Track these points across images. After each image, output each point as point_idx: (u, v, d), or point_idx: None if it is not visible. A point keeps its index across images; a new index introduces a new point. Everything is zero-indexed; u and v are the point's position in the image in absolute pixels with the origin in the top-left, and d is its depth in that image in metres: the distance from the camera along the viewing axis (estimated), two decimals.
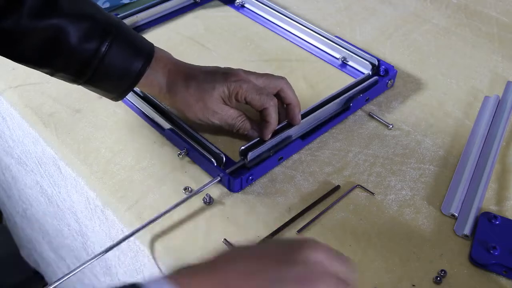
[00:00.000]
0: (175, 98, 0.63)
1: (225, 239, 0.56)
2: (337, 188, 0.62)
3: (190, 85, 0.62)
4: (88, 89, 0.62)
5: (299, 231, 0.57)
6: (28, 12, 0.54)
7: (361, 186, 0.62)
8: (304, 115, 0.67)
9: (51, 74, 0.60)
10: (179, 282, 0.38)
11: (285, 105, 0.65)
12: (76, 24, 0.56)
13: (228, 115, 0.63)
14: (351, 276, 0.42)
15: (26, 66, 0.60)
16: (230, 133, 0.68)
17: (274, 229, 0.57)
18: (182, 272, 0.40)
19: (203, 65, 0.80)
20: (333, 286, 0.40)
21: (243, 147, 0.62)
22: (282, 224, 0.58)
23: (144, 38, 0.63)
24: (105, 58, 0.58)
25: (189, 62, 0.80)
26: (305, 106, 0.72)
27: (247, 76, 0.63)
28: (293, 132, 0.66)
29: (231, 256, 0.43)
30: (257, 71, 0.78)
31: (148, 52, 0.61)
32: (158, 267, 0.55)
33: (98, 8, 0.60)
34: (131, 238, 0.59)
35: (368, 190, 0.61)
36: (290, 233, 0.57)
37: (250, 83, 0.62)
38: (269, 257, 0.41)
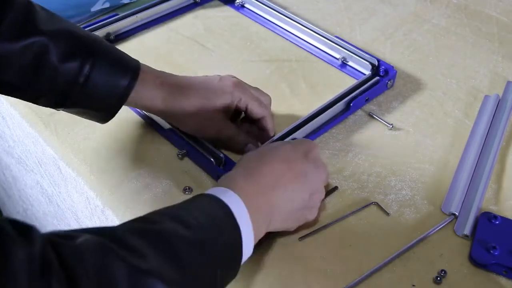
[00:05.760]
0: (172, 110, 0.61)
1: None
2: (335, 189, 0.62)
3: (189, 96, 0.61)
4: (75, 113, 0.59)
5: (302, 238, 0.57)
6: (6, 34, 0.53)
7: (377, 203, 0.60)
8: (308, 120, 0.67)
9: (35, 100, 0.58)
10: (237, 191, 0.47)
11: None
12: (57, 41, 0.54)
13: (229, 128, 0.63)
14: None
15: (9, 95, 0.57)
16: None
17: None
18: (224, 182, 0.50)
19: (203, 65, 0.80)
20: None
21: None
22: None
23: (128, 55, 0.60)
24: (90, 76, 0.56)
25: (189, 62, 0.80)
26: (305, 106, 0.73)
27: (243, 85, 0.64)
28: (297, 135, 0.65)
29: (262, 160, 0.52)
30: (257, 71, 0.79)
31: (134, 67, 0.59)
32: None
33: (78, 27, 0.59)
34: None
35: (384, 210, 0.60)
36: (291, 239, 0.57)
37: (248, 91, 0.63)
38: (292, 157, 0.53)
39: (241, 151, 0.64)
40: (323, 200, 0.57)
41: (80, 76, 0.55)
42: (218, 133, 0.63)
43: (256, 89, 0.66)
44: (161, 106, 0.61)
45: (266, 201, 0.50)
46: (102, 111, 0.59)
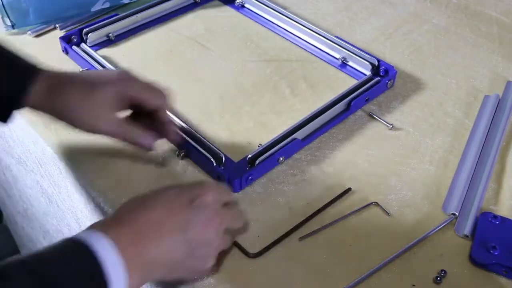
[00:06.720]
0: (54, 105, 0.56)
1: (235, 241, 0.56)
2: (348, 190, 0.62)
3: (71, 87, 0.56)
4: None
5: (302, 238, 0.57)
6: None
7: (377, 203, 0.60)
8: (308, 120, 0.67)
9: None
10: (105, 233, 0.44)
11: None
12: None
13: (114, 119, 0.57)
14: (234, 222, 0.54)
15: None
16: (229, 132, 0.68)
17: (275, 228, 0.57)
18: (98, 226, 0.46)
19: (203, 65, 0.80)
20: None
21: (250, 156, 0.62)
22: (283, 224, 0.58)
23: (27, 60, 0.57)
24: None
25: (189, 62, 0.80)
26: (305, 106, 0.73)
27: (131, 76, 0.59)
28: (297, 135, 0.66)
29: (142, 206, 0.47)
30: (257, 71, 0.79)
31: (31, 71, 0.56)
32: None
33: None
34: None
35: (384, 210, 0.60)
36: (291, 239, 0.57)
37: (137, 82, 0.59)
38: (175, 204, 0.48)
39: (139, 147, 0.60)
40: (227, 248, 0.53)
41: None
42: (111, 130, 0.58)
43: (150, 82, 0.59)
44: (41, 102, 0.56)
45: (140, 252, 0.45)
46: None
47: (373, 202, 0.60)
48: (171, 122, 0.61)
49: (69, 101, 0.56)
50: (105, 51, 0.82)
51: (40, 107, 0.57)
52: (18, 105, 0.56)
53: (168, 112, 0.60)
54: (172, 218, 0.47)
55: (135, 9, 0.86)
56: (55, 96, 0.56)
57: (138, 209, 0.47)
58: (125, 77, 0.58)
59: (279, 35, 0.86)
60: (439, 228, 0.58)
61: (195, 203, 0.49)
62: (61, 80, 0.57)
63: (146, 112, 0.59)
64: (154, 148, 0.60)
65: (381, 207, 0.60)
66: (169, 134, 0.61)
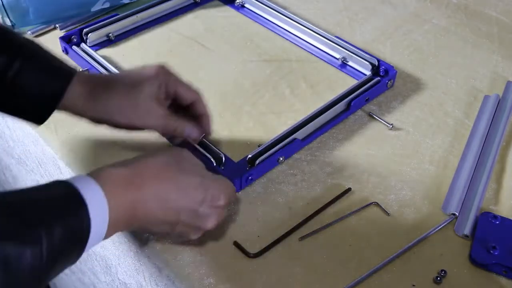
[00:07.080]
0: (97, 105, 0.57)
1: (235, 241, 0.56)
2: (348, 190, 0.62)
3: (113, 87, 0.57)
4: (6, 112, 0.57)
5: (302, 238, 0.57)
6: None
7: (377, 203, 0.60)
8: (308, 120, 0.67)
9: None
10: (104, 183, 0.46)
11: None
12: None
13: (162, 113, 0.58)
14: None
15: None
16: (229, 132, 0.68)
17: (275, 228, 0.57)
18: (104, 173, 0.48)
19: (203, 65, 0.80)
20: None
21: (250, 156, 0.62)
22: (283, 224, 0.58)
23: (65, 62, 0.58)
24: (20, 73, 0.53)
25: (189, 62, 0.80)
26: (305, 106, 0.73)
27: (168, 70, 0.60)
28: (297, 135, 0.66)
29: (160, 173, 0.49)
30: (257, 71, 0.79)
31: (67, 73, 0.56)
32: (157, 267, 0.55)
33: (11, 29, 0.56)
34: (131, 238, 0.59)
35: (384, 210, 0.60)
36: (291, 239, 0.57)
37: (174, 75, 0.60)
38: (188, 197, 0.49)
39: (186, 139, 0.61)
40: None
41: (9, 71, 0.53)
42: (160, 123, 0.59)
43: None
44: (83, 103, 0.57)
45: (132, 192, 0.47)
46: (34, 112, 0.56)
47: (373, 202, 0.61)
48: (205, 114, 0.61)
49: (114, 100, 0.57)
50: (105, 51, 0.82)
51: (79, 110, 0.58)
52: (55, 107, 0.56)
53: (204, 104, 0.60)
54: (179, 203, 0.48)
55: (135, 9, 0.86)
56: (97, 97, 0.56)
57: (152, 173, 0.48)
58: (164, 72, 0.59)
59: (279, 35, 0.86)
60: (439, 228, 0.58)
61: (204, 205, 0.50)
62: (100, 81, 0.58)
63: (182, 106, 0.60)
64: (198, 140, 0.61)
65: (381, 207, 0.60)
66: (205, 126, 0.61)
